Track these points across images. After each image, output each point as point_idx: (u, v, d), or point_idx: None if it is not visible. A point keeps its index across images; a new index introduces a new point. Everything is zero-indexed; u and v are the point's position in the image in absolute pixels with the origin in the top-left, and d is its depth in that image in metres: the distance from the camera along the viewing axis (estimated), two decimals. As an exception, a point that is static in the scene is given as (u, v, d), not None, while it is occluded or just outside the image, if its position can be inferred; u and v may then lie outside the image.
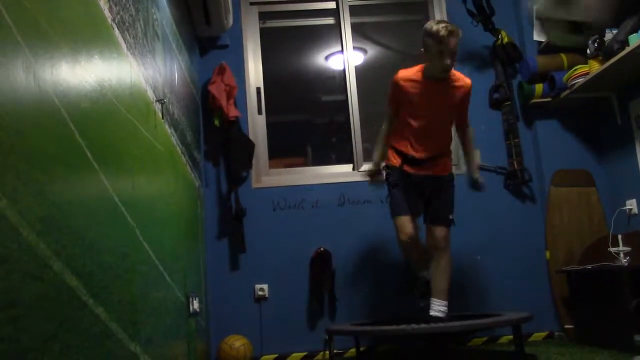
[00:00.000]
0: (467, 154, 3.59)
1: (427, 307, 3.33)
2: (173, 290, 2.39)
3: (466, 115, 3.50)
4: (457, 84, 3.36)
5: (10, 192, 0.94)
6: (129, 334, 1.59)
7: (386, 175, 3.50)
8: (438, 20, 3.29)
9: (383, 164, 3.54)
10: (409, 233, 3.31)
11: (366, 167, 4.15)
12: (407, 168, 3.39)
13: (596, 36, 3.64)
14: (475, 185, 3.54)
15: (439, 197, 3.41)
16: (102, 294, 1.39)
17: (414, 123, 3.34)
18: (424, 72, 3.33)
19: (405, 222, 3.33)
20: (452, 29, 3.16)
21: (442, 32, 3.14)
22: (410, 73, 3.36)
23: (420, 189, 3.40)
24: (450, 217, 3.40)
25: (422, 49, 3.28)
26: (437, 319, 3.23)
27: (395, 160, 3.43)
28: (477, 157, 3.61)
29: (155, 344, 1.94)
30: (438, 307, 3.31)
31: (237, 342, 3.67)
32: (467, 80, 3.40)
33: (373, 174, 3.57)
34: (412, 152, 3.38)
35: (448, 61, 3.18)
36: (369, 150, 4.30)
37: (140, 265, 1.83)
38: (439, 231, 3.35)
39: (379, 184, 3.56)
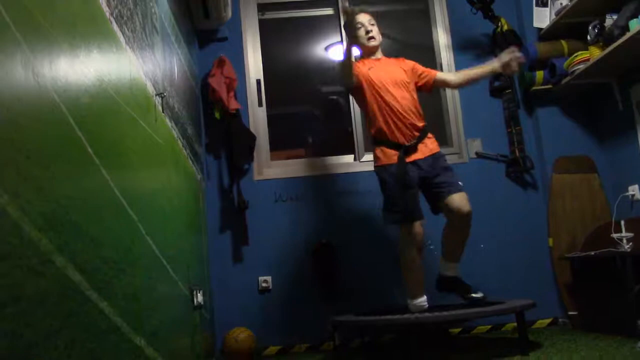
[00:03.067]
0: (479, 72, 3.57)
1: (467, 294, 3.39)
2: (177, 284, 2.40)
3: (426, 69, 3.55)
4: (393, 60, 3.54)
5: (11, 188, 0.94)
6: (133, 328, 1.59)
7: (380, 177, 3.38)
8: None
9: (374, 166, 3.45)
10: (420, 235, 3.33)
11: (368, 156, 4.15)
12: (407, 159, 3.29)
13: (597, 22, 3.62)
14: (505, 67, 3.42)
15: (442, 171, 3.33)
16: (106, 288, 1.40)
17: (385, 97, 3.34)
18: (363, 58, 3.54)
19: (416, 227, 3.31)
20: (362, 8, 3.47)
21: (353, 11, 3.29)
22: (355, 63, 3.47)
23: (417, 181, 3.30)
24: (460, 183, 3.33)
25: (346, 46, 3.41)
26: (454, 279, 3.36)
27: (388, 157, 3.32)
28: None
29: (160, 337, 1.95)
30: (453, 269, 3.40)
31: (242, 334, 3.69)
32: (406, 60, 3.56)
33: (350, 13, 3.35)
34: (397, 136, 3.31)
35: (369, 27, 3.43)
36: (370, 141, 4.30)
37: (144, 259, 1.83)
38: (461, 197, 3.24)
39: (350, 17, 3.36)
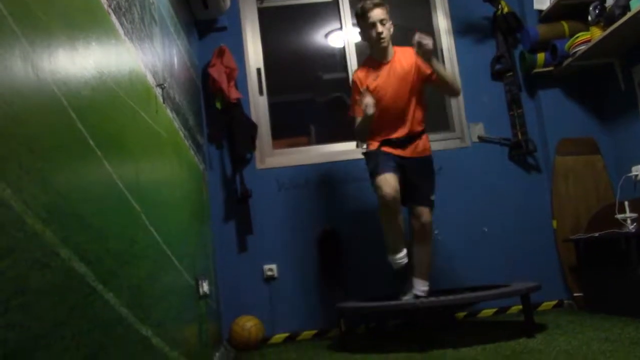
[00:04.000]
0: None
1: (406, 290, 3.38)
2: (182, 274, 2.41)
3: (434, 69, 3.40)
4: (403, 54, 3.48)
5: (14, 181, 0.95)
6: (139, 318, 1.60)
7: (366, 160, 3.49)
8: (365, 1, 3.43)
9: (362, 150, 3.56)
10: (393, 187, 3.21)
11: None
12: (386, 149, 3.40)
13: (597, 2, 3.60)
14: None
15: (421, 178, 3.44)
16: (111, 279, 1.40)
17: (383, 108, 3.37)
18: (373, 56, 3.53)
19: (390, 178, 3.24)
20: (376, 1, 3.38)
21: (366, 6, 3.38)
22: (362, 67, 3.55)
23: (401, 169, 3.37)
24: (432, 197, 3.44)
25: (360, 36, 3.54)
26: (420, 298, 3.28)
27: (374, 145, 3.44)
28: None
29: (167, 327, 1.96)
30: (421, 288, 3.37)
31: (249, 323, 3.71)
32: (410, 48, 3.41)
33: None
34: (389, 137, 3.42)
35: (380, 29, 3.36)
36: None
37: (148, 250, 1.84)
38: (423, 212, 3.39)
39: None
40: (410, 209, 3.45)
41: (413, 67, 3.43)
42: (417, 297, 3.32)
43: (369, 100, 3.25)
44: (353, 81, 3.56)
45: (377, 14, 3.38)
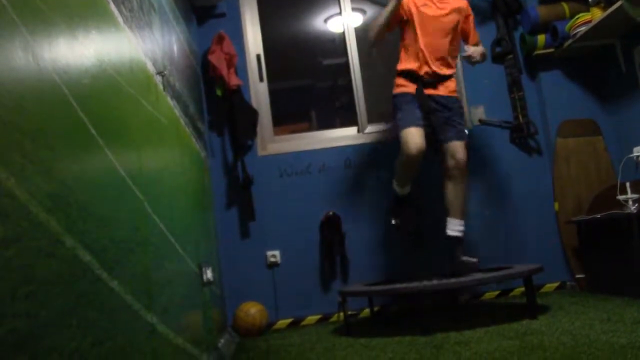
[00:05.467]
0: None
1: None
2: (185, 261, 2.42)
3: (475, 34, 3.68)
4: (456, 4, 3.58)
5: (18, 170, 0.95)
6: (144, 305, 1.61)
7: (394, 100, 3.55)
8: None
9: (393, 93, 3.58)
10: (420, 144, 3.32)
11: (371, 128, 4.17)
12: (417, 89, 3.47)
13: (597, -17, 3.58)
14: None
15: (454, 115, 3.50)
16: (116, 267, 1.41)
17: (422, 39, 3.47)
18: None
19: (417, 133, 3.34)
20: None
21: None
22: None
23: (429, 108, 3.45)
24: (466, 131, 3.53)
25: None
26: (456, 239, 3.41)
27: (407, 87, 3.49)
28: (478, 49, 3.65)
29: (171, 313, 1.97)
30: (455, 227, 3.44)
31: (252, 309, 3.73)
32: (465, 2, 3.64)
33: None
34: (424, 69, 3.47)
35: None
36: (372, 112, 4.30)
37: (152, 238, 1.85)
38: (458, 147, 3.43)
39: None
40: (443, 147, 3.46)
41: (461, 17, 3.59)
42: (450, 237, 3.42)
43: None
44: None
45: None
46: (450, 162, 3.41)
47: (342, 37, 4.48)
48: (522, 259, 3.80)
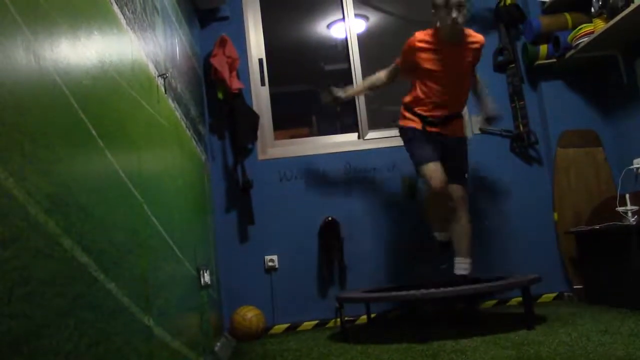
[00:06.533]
0: (479, 94, 3.65)
1: (450, 268, 3.45)
2: (184, 264, 2.42)
3: (475, 66, 3.57)
4: (470, 40, 3.43)
5: (17, 171, 0.95)
6: (141, 308, 1.61)
7: (402, 132, 3.53)
8: None
9: (398, 125, 3.57)
10: (442, 178, 3.31)
11: (372, 134, 4.17)
12: (428, 128, 3.43)
13: (600, -6, 3.59)
14: (490, 119, 3.61)
15: (455, 156, 3.48)
16: (114, 269, 1.41)
17: (434, 86, 3.38)
18: (438, 34, 3.38)
19: (437, 168, 3.32)
20: None
21: None
22: (425, 35, 3.39)
23: (440, 147, 3.42)
24: (466, 175, 3.50)
25: (432, 11, 3.36)
26: (463, 277, 3.37)
27: (414, 122, 3.45)
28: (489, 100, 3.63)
29: (168, 316, 1.97)
30: (462, 266, 3.42)
31: (250, 313, 3.72)
32: (480, 37, 3.48)
33: (333, 97, 3.67)
34: (432, 113, 3.42)
35: (455, 14, 3.23)
36: (374, 118, 4.30)
37: (150, 240, 1.85)
38: (457, 189, 3.42)
39: (329, 104, 3.70)
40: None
41: (476, 53, 3.48)
42: (460, 276, 3.41)
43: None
44: (409, 45, 3.41)
45: None
46: (451, 204, 3.42)
47: (344, 43, 4.48)
48: (521, 268, 3.79)
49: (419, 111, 3.44)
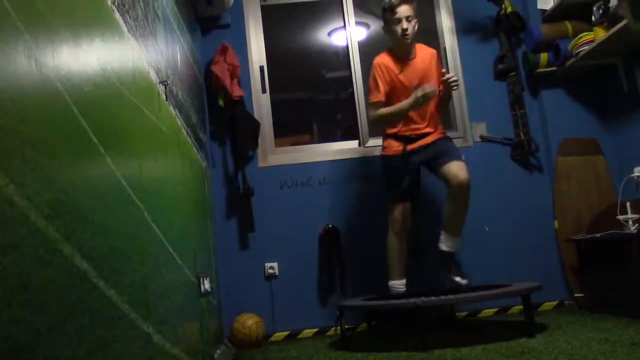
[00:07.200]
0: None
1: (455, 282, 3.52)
2: (184, 271, 2.41)
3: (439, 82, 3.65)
4: (425, 55, 3.63)
5: (17, 177, 0.95)
6: (141, 315, 1.61)
7: (383, 162, 3.67)
8: None
9: (381, 154, 3.72)
10: (403, 225, 3.55)
11: (373, 141, 4.18)
12: (409, 147, 3.54)
13: (601, 2, 3.59)
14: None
15: (443, 147, 3.56)
16: (113, 276, 1.41)
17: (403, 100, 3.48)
18: (395, 50, 3.60)
19: (403, 212, 3.54)
20: None
21: (394, 1, 3.47)
22: (384, 57, 3.60)
23: (418, 166, 3.58)
24: (462, 156, 3.55)
25: (384, 28, 3.63)
26: (447, 254, 3.50)
27: (396, 147, 3.56)
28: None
29: (168, 324, 1.96)
30: (449, 243, 3.51)
31: (249, 320, 3.71)
32: (432, 49, 3.71)
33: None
34: (412, 132, 3.55)
35: (405, 25, 3.45)
36: (375, 126, 4.29)
37: (150, 247, 1.84)
38: (460, 167, 3.42)
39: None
40: (443, 171, 3.44)
41: (433, 67, 3.62)
42: (442, 251, 3.49)
43: (428, 86, 3.36)
44: (375, 66, 3.59)
45: (404, 10, 3.48)
46: (454, 182, 3.38)
47: (345, 51, 4.49)
48: (521, 276, 3.78)
49: (400, 133, 3.56)
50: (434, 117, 3.63)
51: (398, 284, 3.60)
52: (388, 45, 3.70)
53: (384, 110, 3.54)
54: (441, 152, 3.51)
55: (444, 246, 3.50)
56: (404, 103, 3.42)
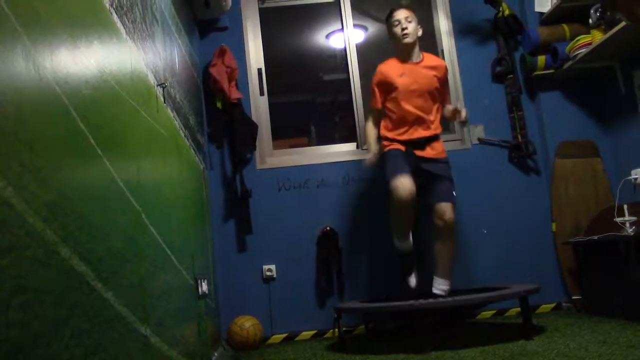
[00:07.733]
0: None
1: (416, 286, 3.53)
2: (181, 273, 2.41)
3: (448, 95, 3.78)
4: (432, 63, 3.63)
5: (15, 180, 0.95)
6: (139, 317, 1.61)
7: (385, 155, 3.58)
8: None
9: (379, 150, 3.64)
10: (409, 188, 3.31)
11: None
12: (405, 149, 3.52)
13: (598, 5, 3.60)
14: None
15: (441, 177, 3.52)
16: (111, 278, 1.41)
17: (405, 106, 3.51)
18: (398, 56, 3.63)
19: (406, 180, 3.33)
20: (403, 4, 3.62)
21: (393, 8, 3.60)
22: (388, 62, 3.64)
23: (420, 170, 3.49)
24: (454, 193, 3.52)
25: (390, 42, 3.67)
26: (439, 297, 3.37)
27: (395, 145, 3.54)
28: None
29: (166, 326, 1.96)
30: (441, 286, 3.46)
31: (247, 323, 3.71)
32: (442, 61, 3.74)
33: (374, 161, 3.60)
34: (408, 137, 3.53)
35: (404, 25, 3.51)
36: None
37: (148, 250, 1.84)
38: (446, 207, 3.44)
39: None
40: (432, 207, 3.48)
41: (438, 79, 3.61)
42: (436, 295, 3.42)
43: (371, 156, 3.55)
44: (376, 72, 3.65)
45: (402, 13, 3.56)
46: (439, 223, 3.45)
47: (343, 53, 4.50)
48: (519, 278, 3.79)
49: (395, 137, 3.55)
50: (436, 122, 3.61)
51: (405, 243, 3.52)
52: (385, 47, 3.72)
53: (368, 126, 3.72)
54: (437, 187, 3.50)
55: (436, 290, 3.48)
56: (370, 143, 3.63)
